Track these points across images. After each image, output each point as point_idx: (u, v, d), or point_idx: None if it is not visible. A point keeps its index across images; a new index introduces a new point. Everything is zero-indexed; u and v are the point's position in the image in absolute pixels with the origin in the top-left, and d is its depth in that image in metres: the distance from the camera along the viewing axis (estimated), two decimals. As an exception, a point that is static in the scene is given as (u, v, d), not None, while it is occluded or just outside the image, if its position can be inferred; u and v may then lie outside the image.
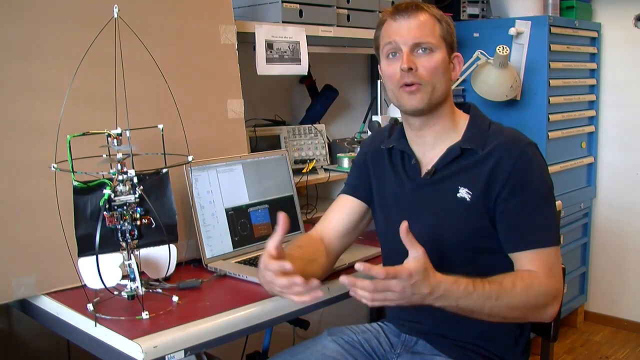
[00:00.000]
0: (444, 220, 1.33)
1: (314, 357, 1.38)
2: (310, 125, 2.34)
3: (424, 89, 1.29)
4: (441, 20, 1.33)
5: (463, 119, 1.39)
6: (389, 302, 1.13)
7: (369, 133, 2.28)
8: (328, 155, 2.34)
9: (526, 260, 1.26)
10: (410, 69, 1.28)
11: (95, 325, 1.24)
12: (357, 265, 1.10)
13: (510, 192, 1.27)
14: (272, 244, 1.19)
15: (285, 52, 2.03)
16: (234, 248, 1.69)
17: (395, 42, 1.30)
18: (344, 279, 1.11)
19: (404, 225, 1.14)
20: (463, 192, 1.31)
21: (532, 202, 1.28)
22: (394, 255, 1.22)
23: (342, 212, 1.49)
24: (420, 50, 1.30)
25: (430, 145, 1.38)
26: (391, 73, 1.32)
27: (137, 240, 1.32)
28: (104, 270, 1.26)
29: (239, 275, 1.52)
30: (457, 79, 1.53)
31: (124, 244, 1.30)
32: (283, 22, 2.04)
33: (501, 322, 1.25)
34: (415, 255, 1.13)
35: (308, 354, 1.39)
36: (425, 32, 1.29)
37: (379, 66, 1.41)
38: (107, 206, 1.26)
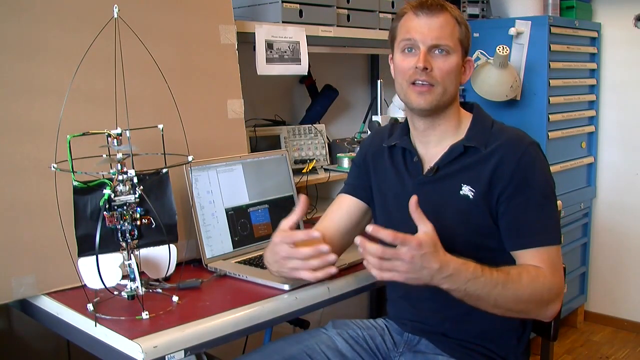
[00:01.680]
0: (446, 217, 1.33)
1: (318, 347, 1.38)
2: (310, 125, 2.33)
3: (435, 90, 1.30)
4: (461, 23, 1.33)
5: (466, 118, 1.39)
6: (398, 275, 1.13)
7: (369, 133, 2.28)
8: (328, 155, 2.34)
9: (529, 258, 1.27)
10: (425, 68, 1.28)
11: (95, 325, 1.24)
12: (368, 227, 1.13)
13: (513, 191, 1.27)
14: (287, 223, 1.22)
15: (285, 52, 2.03)
16: (234, 248, 1.69)
17: (414, 39, 1.30)
18: (357, 239, 1.13)
19: (413, 199, 1.15)
20: (466, 190, 1.31)
21: (535, 200, 1.28)
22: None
23: (342, 212, 1.49)
24: (437, 51, 1.30)
25: (434, 143, 1.38)
26: (404, 68, 1.32)
27: (137, 240, 1.32)
28: (104, 270, 1.26)
29: (239, 275, 1.52)
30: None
31: (124, 244, 1.30)
32: (283, 22, 2.04)
33: (505, 315, 1.25)
34: (425, 229, 1.13)
35: (313, 342, 1.39)
36: (445, 34, 1.29)
37: (390, 56, 1.41)
38: (107, 206, 1.26)
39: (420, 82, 1.30)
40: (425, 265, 1.12)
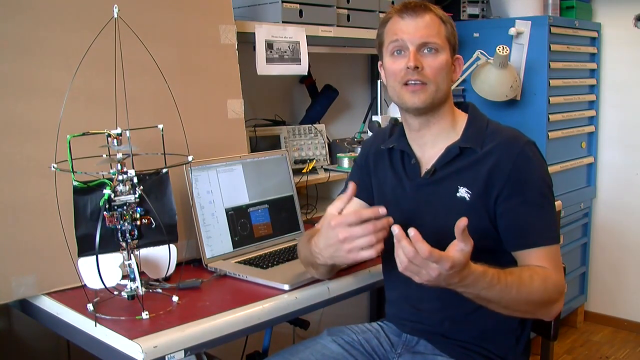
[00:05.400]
0: (444, 220, 1.33)
1: (314, 357, 1.38)
2: (310, 125, 2.33)
3: (428, 88, 1.30)
4: (446, 22, 1.34)
5: (462, 119, 1.39)
6: (417, 278, 1.12)
7: (369, 133, 2.28)
8: (328, 155, 2.34)
9: (533, 258, 1.26)
10: (416, 67, 1.28)
11: (95, 325, 1.24)
12: (410, 231, 1.08)
13: (511, 191, 1.27)
14: (335, 208, 1.22)
15: (285, 52, 2.03)
16: (234, 248, 1.69)
17: (402, 40, 1.30)
18: (395, 228, 1.09)
19: (462, 221, 1.09)
20: (462, 192, 1.31)
21: (533, 200, 1.28)
22: (392, 254, 1.22)
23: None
24: (426, 50, 1.31)
25: (430, 144, 1.38)
26: (395, 70, 1.32)
27: (137, 240, 1.32)
28: (104, 270, 1.26)
29: (239, 275, 1.52)
30: (457, 80, 1.56)
31: (124, 244, 1.30)
32: (283, 22, 2.04)
33: (511, 315, 1.25)
34: (463, 247, 1.09)
35: (308, 353, 1.39)
36: (432, 33, 1.30)
37: (379, 63, 1.41)
38: (107, 206, 1.26)
39: (412, 81, 1.30)
40: (447, 279, 1.11)
